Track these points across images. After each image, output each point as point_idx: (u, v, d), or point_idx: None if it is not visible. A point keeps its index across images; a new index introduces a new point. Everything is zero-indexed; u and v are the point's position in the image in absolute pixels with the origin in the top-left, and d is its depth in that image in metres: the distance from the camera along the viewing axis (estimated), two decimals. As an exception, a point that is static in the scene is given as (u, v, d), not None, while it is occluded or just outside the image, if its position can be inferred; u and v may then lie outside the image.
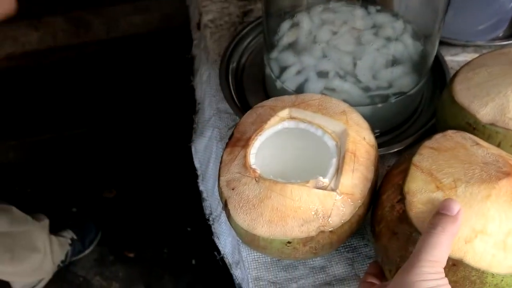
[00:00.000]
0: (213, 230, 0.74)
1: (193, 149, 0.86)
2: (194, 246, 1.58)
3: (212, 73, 0.87)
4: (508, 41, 0.89)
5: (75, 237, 1.52)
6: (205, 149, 0.82)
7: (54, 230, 1.48)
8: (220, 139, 0.77)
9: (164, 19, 1.66)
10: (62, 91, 1.72)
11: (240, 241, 0.59)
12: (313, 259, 0.61)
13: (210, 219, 0.75)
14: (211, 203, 0.77)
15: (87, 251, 1.57)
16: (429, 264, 0.40)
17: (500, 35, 0.92)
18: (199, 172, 0.83)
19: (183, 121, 1.11)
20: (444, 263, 0.41)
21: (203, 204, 0.79)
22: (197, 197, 0.83)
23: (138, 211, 1.68)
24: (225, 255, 0.71)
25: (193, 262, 1.55)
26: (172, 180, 1.72)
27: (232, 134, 0.58)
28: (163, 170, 1.75)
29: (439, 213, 0.43)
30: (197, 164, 0.84)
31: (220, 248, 0.72)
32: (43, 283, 1.47)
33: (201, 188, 0.81)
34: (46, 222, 1.44)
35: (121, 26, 1.63)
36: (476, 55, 0.87)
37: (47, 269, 1.44)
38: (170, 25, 1.65)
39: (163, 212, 1.67)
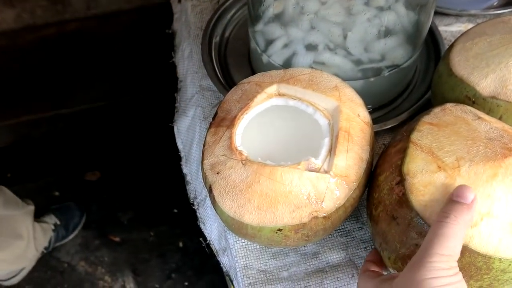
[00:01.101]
0: (198, 215, 0.71)
1: (175, 129, 0.83)
2: (181, 228, 1.55)
3: (194, 48, 0.83)
4: (503, 9, 0.85)
5: (58, 222, 1.49)
6: (188, 129, 0.78)
7: (37, 215, 1.44)
8: (203, 118, 0.73)
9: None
10: (40, 71, 1.67)
11: (227, 227, 0.56)
12: (305, 245, 0.57)
13: (195, 203, 0.72)
14: (196, 187, 0.73)
15: (71, 236, 1.54)
16: (442, 258, 0.37)
17: (495, 3, 0.89)
18: (182, 154, 0.79)
19: (166, 99, 1.07)
20: (457, 257, 0.38)
21: (187, 188, 0.75)
22: (183, 178, 0.79)
23: (122, 193, 1.65)
24: (211, 242, 0.68)
25: (181, 244, 1.52)
26: (157, 160, 1.68)
27: (216, 113, 0.54)
28: (148, 151, 1.72)
29: (452, 201, 0.40)
30: (180, 145, 0.81)
31: (206, 234, 0.69)
32: (25, 272, 1.44)
33: (185, 171, 0.78)
34: (31, 208, 1.40)
35: (102, 1, 1.57)
36: (471, 25, 0.84)
37: (30, 257, 1.41)
38: (154, 1, 1.60)
39: (148, 193, 1.64)
